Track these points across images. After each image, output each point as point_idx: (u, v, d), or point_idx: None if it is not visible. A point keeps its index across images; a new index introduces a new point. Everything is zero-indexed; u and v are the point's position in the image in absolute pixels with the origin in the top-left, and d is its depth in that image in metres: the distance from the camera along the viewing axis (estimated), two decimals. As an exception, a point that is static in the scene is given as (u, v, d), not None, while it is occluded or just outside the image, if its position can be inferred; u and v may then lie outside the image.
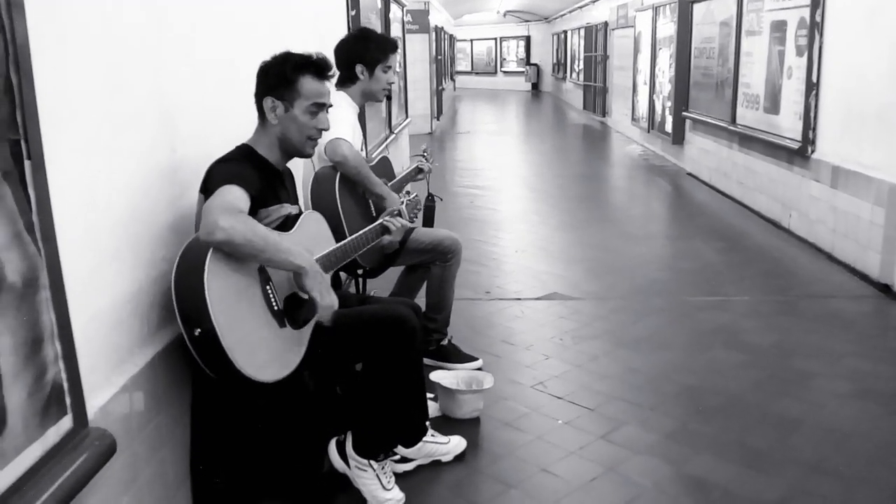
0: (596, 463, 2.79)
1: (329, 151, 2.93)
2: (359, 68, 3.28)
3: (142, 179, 2.13)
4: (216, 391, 2.29)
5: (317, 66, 2.32)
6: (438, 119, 15.71)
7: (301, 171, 3.20)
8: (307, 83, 2.32)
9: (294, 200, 2.46)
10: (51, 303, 1.53)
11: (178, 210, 2.33)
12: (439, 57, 16.30)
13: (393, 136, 7.27)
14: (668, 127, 10.17)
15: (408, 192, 3.06)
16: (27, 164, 1.46)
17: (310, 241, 2.26)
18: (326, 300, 2.13)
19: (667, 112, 10.30)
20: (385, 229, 2.57)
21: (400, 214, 2.75)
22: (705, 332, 4.10)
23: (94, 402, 1.80)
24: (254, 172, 2.20)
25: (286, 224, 2.27)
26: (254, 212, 2.15)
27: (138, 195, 2.10)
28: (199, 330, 1.92)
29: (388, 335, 2.36)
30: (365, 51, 3.28)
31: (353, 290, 3.68)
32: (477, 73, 32.50)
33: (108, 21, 1.94)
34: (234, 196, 2.02)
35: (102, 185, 1.91)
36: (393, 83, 3.50)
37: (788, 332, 4.11)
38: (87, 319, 1.82)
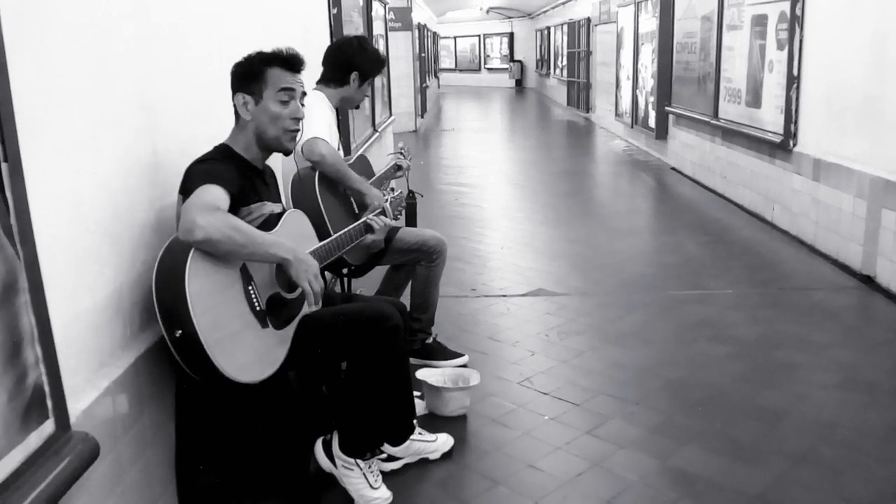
0: (582, 458, 2.80)
1: (306, 151, 2.93)
2: (353, 75, 3.32)
3: (123, 179, 2.11)
4: (200, 392, 2.28)
5: (285, 60, 2.33)
6: (422, 116, 15.72)
7: (280, 169, 3.19)
8: (274, 73, 2.31)
9: (276, 198, 2.46)
10: (30, 306, 1.52)
11: (160, 211, 2.32)
12: (422, 54, 16.28)
13: (377, 134, 7.26)
14: (652, 122, 10.21)
15: (392, 189, 3.07)
16: (4, 166, 1.44)
17: (293, 239, 2.25)
18: (316, 287, 2.14)
19: (650, 107, 10.33)
20: (368, 227, 2.57)
21: (383, 212, 2.74)
22: (690, 326, 4.12)
23: (77, 405, 1.78)
24: (233, 171, 2.19)
25: (269, 222, 2.26)
26: (235, 210, 2.15)
27: (119, 195, 2.09)
28: (180, 331, 1.91)
29: (371, 333, 2.35)
30: (364, 61, 3.33)
31: (338, 289, 3.67)
32: (461, 71, 32.50)
33: (91, 18, 1.93)
34: (213, 195, 2.01)
35: (84, 185, 1.89)
36: (367, 97, 3.58)
37: (772, 324, 4.13)
38: (69, 321, 1.80)
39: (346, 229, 2.50)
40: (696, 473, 2.67)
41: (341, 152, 3.54)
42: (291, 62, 2.34)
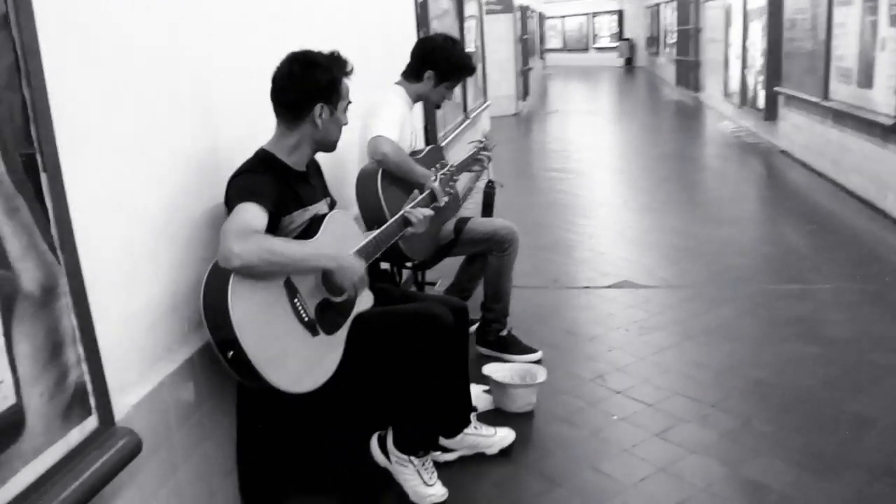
0: (648, 462, 2.71)
1: (370, 149, 2.95)
2: (428, 73, 3.31)
3: (180, 179, 2.17)
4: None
5: (347, 65, 2.36)
6: (524, 100, 15.55)
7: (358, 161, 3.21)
8: (344, 84, 2.37)
9: (322, 194, 2.47)
10: (71, 308, 1.58)
11: (220, 210, 2.35)
12: (525, 36, 16.07)
13: (468, 121, 7.21)
14: (761, 102, 9.73)
15: (442, 164, 3.04)
16: (43, 176, 1.51)
17: (336, 242, 2.25)
18: (361, 288, 2.18)
19: (759, 87, 9.85)
20: (406, 221, 2.54)
21: (432, 194, 2.72)
22: (781, 324, 3.90)
23: (127, 400, 1.86)
24: (271, 182, 2.19)
25: (312, 227, 2.27)
26: (277, 220, 2.17)
27: (175, 195, 2.15)
28: (231, 352, 1.97)
29: (423, 334, 2.35)
30: (443, 62, 3.31)
31: (404, 279, 3.66)
32: (569, 51, 31.96)
33: (140, 24, 1.98)
34: (250, 215, 2.04)
35: (136, 187, 1.96)
36: (449, 100, 3.52)
37: (872, 323, 3.86)
38: (121, 320, 1.88)
39: (382, 227, 2.48)
40: (767, 484, 2.54)
41: (421, 144, 3.55)
42: (350, 70, 2.37)
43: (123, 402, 1.83)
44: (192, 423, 2.17)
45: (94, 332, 1.65)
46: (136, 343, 1.95)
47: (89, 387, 1.64)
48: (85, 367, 1.63)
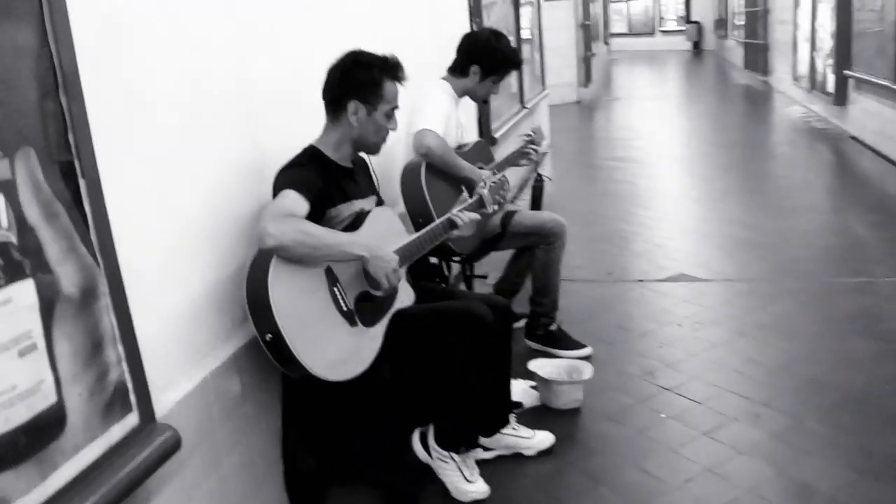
0: (695, 462, 2.66)
1: (415, 143, 2.96)
2: (474, 69, 3.30)
3: (222, 179, 2.22)
4: (304, 381, 2.37)
5: (398, 70, 2.37)
6: (587, 87, 15.33)
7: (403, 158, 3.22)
8: (390, 87, 2.37)
9: (368, 191, 2.49)
10: (111, 309, 1.63)
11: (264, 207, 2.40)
12: (587, 22, 15.83)
13: (525, 111, 7.14)
14: (830, 86, 9.39)
15: (493, 172, 3.02)
16: (81, 182, 1.56)
17: (379, 237, 2.28)
18: (394, 282, 2.18)
19: (828, 70, 9.51)
20: (452, 224, 2.53)
21: (481, 199, 2.72)
22: (841, 319, 3.78)
23: (171, 396, 1.91)
24: (316, 175, 2.23)
25: (357, 221, 2.30)
26: (321, 212, 2.20)
27: (217, 194, 2.19)
28: (269, 335, 2.01)
29: (457, 330, 2.35)
30: (488, 57, 3.30)
31: (453, 273, 3.66)
32: (635, 35, 31.33)
33: (180, 26, 2.01)
34: (289, 201, 2.09)
35: (176, 188, 2.00)
36: (495, 95, 3.49)
37: (940, 319, 3.71)
38: (163, 319, 1.93)
39: (431, 225, 2.50)
40: (816, 487, 2.47)
41: (470, 138, 3.54)
42: (401, 73, 2.38)
43: (166, 399, 1.89)
44: (238, 417, 2.22)
45: (133, 332, 1.70)
46: (179, 341, 2.01)
47: (129, 385, 1.69)
48: (125, 365, 1.68)
